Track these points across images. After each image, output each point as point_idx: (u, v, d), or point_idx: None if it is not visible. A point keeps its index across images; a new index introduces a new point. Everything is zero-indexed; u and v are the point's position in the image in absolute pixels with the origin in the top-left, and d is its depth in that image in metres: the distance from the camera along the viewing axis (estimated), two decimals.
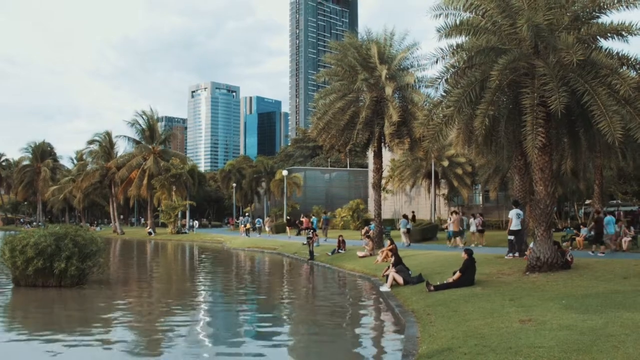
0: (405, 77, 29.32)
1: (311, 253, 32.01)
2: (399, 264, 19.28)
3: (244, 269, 32.32)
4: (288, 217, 60.82)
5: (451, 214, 33.83)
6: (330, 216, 55.88)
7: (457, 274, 16.49)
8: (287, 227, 54.98)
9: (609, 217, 25.84)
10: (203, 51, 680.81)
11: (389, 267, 19.63)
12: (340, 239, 32.68)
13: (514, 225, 21.75)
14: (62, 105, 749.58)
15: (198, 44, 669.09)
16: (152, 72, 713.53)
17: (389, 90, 28.62)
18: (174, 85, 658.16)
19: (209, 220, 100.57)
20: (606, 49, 17.17)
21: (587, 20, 17.35)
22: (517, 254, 21.56)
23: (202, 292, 21.95)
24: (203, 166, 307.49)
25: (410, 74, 29.53)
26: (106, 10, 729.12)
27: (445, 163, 52.56)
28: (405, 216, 35.69)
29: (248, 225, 58.09)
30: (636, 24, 16.31)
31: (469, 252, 16.89)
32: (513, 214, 21.88)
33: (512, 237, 21.98)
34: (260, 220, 61.64)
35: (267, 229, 59.82)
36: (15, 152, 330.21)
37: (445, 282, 16.59)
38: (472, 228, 32.91)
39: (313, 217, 47.77)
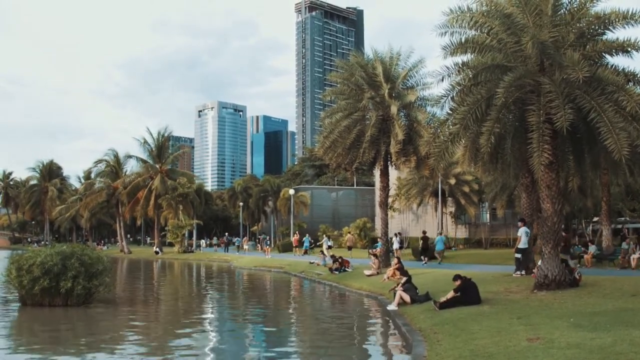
0: (409, 95, 29.38)
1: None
2: (407, 282, 19.14)
3: (253, 287, 32.18)
4: (261, 236, 66.89)
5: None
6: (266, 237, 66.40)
7: (451, 293, 16.31)
8: (261, 248, 60.61)
9: (439, 237, 33.30)
10: (208, 71, 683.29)
11: (397, 285, 19.52)
12: (344, 258, 32.55)
13: (523, 243, 21.63)
14: (67, 125, 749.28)
15: (202, 64, 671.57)
16: (156, 92, 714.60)
17: (394, 109, 28.68)
18: (178, 104, 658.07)
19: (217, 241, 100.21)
20: (612, 65, 17.20)
21: (593, 37, 17.38)
22: (523, 272, 21.43)
23: (209, 311, 21.88)
24: (210, 185, 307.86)
25: (413, 93, 29.60)
26: (111, 30, 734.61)
27: (452, 181, 52.37)
28: (325, 235, 38.16)
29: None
30: None
31: (460, 277, 16.68)
32: (522, 232, 21.71)
33: (519, 255, 21.84)
34: (240, 240, 69.03)
35: (245, 247, 64.40)
36: (20, 170, 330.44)
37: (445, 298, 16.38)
38: (395, 245, 37.65)
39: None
